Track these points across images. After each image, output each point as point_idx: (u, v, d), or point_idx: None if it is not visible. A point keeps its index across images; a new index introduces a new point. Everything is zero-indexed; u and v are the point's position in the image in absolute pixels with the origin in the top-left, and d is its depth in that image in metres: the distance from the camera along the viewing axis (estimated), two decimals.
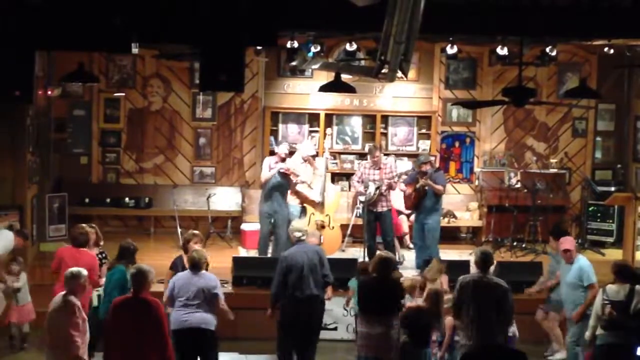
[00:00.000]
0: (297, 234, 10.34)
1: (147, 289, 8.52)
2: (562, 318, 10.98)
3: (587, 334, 9.56)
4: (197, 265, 9.42)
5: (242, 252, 14.71)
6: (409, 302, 9.76)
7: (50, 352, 8.56)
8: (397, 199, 14.83)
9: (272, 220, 13.52)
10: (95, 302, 10.45)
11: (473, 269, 12.81)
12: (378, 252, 10.34)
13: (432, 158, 14.63)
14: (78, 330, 8.32)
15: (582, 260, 10.39)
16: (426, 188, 13.63)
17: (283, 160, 13.61)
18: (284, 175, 13.56)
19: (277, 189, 13.57)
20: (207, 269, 9.72)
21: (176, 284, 9.44)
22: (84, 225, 10.88)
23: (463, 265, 12.51)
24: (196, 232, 10.59)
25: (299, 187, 14.05)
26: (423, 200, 13.72)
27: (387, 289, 9.41)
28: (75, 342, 8.27)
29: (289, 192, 13.91)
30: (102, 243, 11.00)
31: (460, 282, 9.20)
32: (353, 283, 10.93)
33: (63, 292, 8.56)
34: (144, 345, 8.21)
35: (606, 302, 9.23)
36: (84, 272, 8.66)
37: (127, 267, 9.79)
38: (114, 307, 8.50)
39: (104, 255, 10.83)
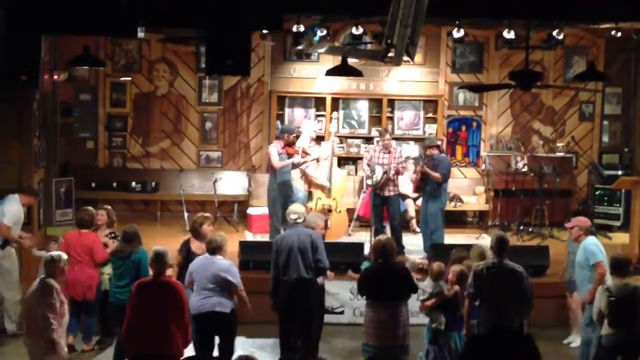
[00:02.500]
0: (293, 217, 10.21)
1: (166, 270, 8.60)
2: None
3: (583, 335, 9.52)
4: (214, 249, 9.42)
5: (249, 237, 14.72)
6: (445, 288, 9.64)
7: (27, 338, 8.57)
8: (403, 183, 14.83)
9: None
10: (107, 286, 10.52)
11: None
12: (376, 237, 10.25)
13: (439, 142, 14.57)
14: (55, 312, 8.32)
15: (588, 240, 10.35)
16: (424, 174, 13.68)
17: (288, 144, 13.64)
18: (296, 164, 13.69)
19: (289, 177, 13.65)
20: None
21: (193, 267, 9.48)
22: (89, 207, 10.95)
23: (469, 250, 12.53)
24: (207, 214, 10.59)
25: (308, 170, 14.07)
26: (425, 185, 13.71)
27: (392, 274, 9.28)
28: (51, 324, 8.27)
29: (298, 176, 13.98)
30: (115, 225, 11.02)
31: (474, 269, 9.14)
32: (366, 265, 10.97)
33: (42, 276, 8.58)
34: (166, 327, 8.25)
35: (612, 299, 8.99)
36: (64, 256, 8.71)
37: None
38: (137, 289, 8.53)
39: (113, 235, 10.83)
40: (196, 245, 10.04)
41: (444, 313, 9.47)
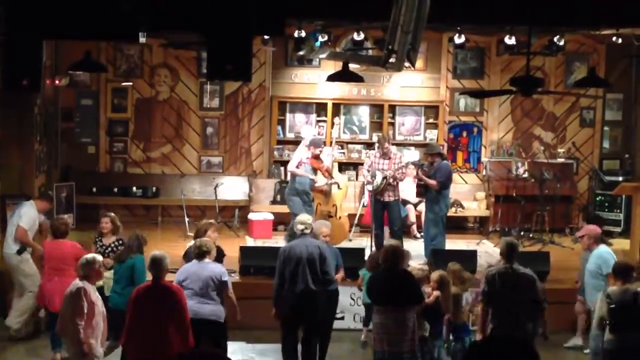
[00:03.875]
0: (300, 227, 10.03)
1: (165, 275, 8.60)
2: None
3: (592, 343, 9.49)
4: (203, 254, 9.40)
5: (250, 242, 14.73)
6: (425, 295, 9.60)
7: (64, 339, 8.81)
8: (405, 189, 14.81)
9: None
10: (106, 292, 10.47)
11: (482, 259, 12.94)
12: (385, 242, 10.20)
13: (441, 148, 14.57)
14: (81, 314, 8.36)
15: (602, 249, 10.29)
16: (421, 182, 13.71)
17: (316, 158, 13.65)
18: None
19: (309, 189, 13.73)
20: (222, 259, 9.76)
21: (185, 273, 9.41)
22: (64, 216, 10.94)
23: (470, 256, 12.51)
24: (212, 221, 10.58)
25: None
26: (426, 191, 13.73)
27: (398, 280, 9.18)
28: (77, 325, 8.33)
29: None
30: (120, 231, 10.98)
31: (486, 275, 9.14)
32: (363, 272, 10.95)
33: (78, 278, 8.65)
34: (166, 332, 8.26)
35: (612, 306, 8.97)
36: (99, 257, 8.78)
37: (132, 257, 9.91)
38: (135, 295, 8.55)
39: (120, 242, 10.77)
40: None
41: (427, 320, 9.46)
